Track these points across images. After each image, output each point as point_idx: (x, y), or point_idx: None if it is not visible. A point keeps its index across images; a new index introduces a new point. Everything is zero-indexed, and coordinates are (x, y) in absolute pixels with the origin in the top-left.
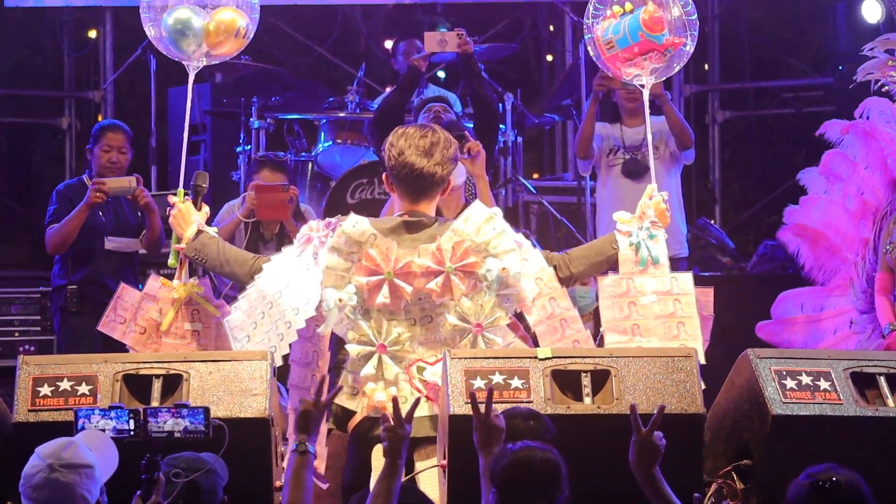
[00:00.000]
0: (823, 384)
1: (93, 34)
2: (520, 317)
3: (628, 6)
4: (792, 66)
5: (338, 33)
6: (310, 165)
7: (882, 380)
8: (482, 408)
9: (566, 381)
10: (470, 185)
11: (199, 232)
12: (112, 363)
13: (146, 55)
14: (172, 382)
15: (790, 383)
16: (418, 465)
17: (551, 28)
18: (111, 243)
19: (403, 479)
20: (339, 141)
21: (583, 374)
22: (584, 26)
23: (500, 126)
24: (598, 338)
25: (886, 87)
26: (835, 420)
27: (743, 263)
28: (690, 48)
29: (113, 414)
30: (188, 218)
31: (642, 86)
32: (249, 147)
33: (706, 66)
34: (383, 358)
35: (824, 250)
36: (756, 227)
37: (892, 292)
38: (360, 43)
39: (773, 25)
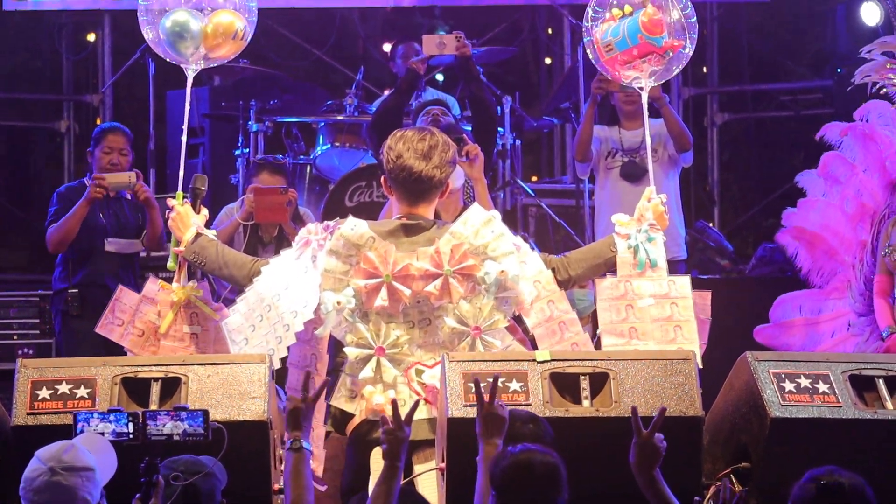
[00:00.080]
0: (822, 387)
1: (91, 38)
2: (518, 319)
3: (627, 9)
4: (790, 69)
5: (336, 36)
6: (308, 168)
7: (881, 382)
8: (486, 396)
9: (565, 384)
10: (468, 188)
11: (198, 235)
12: (111, 366)
13: (144, 59)
14: (171, 385)
15: (789, 386)
16: (417, 469)
17: (550, 31)
18: (112, 245)
19: (402, 482)
20: (337, 144)
21: (581, 377)
22: (584, 29)
23: (499, 129)
24: (596, 340)
25: (885, 90)
26: (833, 423)
27: (741, 266)
28: (690, 51)
29: (112, 417)
30: (187, 221)
31: (641, 88)
32: (248, 150)
33: (705, 69)
34: (382, 361)
35: (822, 253)
36: (755, 230)
37: (891, 295)
38: (359, 46)
39: (771, 28)
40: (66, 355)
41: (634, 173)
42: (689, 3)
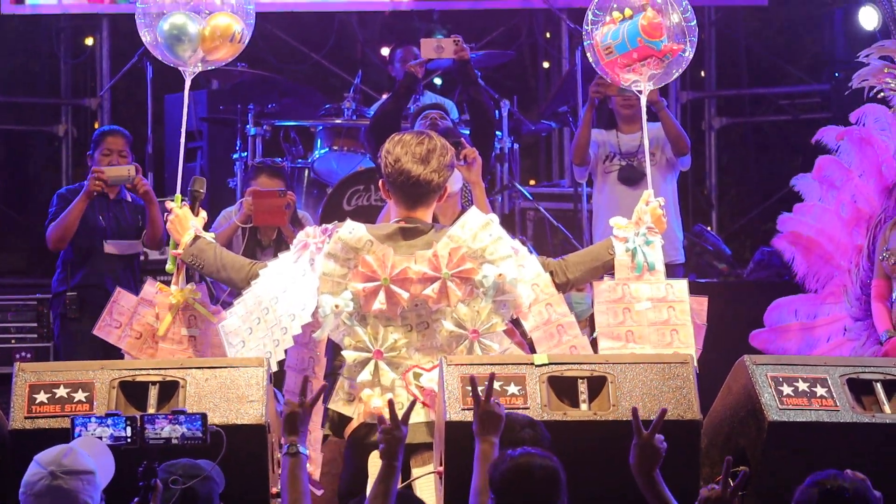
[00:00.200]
0: (820, 390)
1: (89, 41)
2: (516, 323)
3: (627, 12)
4: (788, 73)
5: (334, 40)
6: (306, 172)
7: (878, 386)
8: (482, 393)
9: (563, 388)
10: (466, 191)
11: (197, 237)
12: (108, 370)
13: (143, 62)
14: (169, 389)
15: (787, 389)
16: (415, 472)
17: (548, 35)
18: (111, 246)
19: (400, 485)
20: (335, 147)
21: (579, 381)
22: (584, 32)
23: (497, 133)
24: (592, 343)
25: (882, 94)
26: (831, 426)
27: (739, 270)
28: (689, 54)
29: (110, 421)
30: (185, 223)
31: (640, 92)
32: (246, 154)
33: (703, 73)
34: (380, 364)
35: (818, 258)
36: (752, 234)
37: (889, 299)
38: (357, 50)
39: (769, 32)
40: (65, 358)
41: (632, 177)
42: (689, 6)
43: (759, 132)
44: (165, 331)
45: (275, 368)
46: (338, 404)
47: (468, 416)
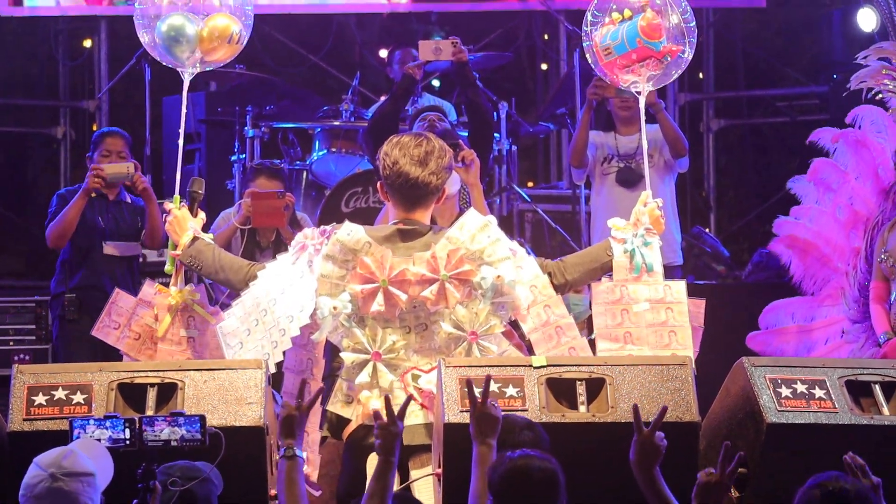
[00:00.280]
0: (818, 392)
1: (87, 44)
2: (515, 324)
3: (627, 13)
4: (786, 75)
5: (332, 42)
6: (304, 174)
7: (877, 388)
8: (479, 396)
9: (561, 390)
10: (464, 193)
11: (195, 239)
12: (107, 372)
13: (141, 64)
14: (167, 391)
15: (785, 391)
16: (413, 474)
17: (546, 37)
18: (110, 248)
19: (398, 487)
20: (333, 150)
21: (578, 383)
22: (583, 33)
23: (495, 135)
24: (590, 344)
25: (880, 96)
26: (830, 428)
27: (738, 272)
28: (689, 56)
29: (108, 423)
30: (184, 224)
31: (639, 93)
32: (244, 156)
33: (701, 75)
34: (378, 366)
35: (815, 260)
36: (751, 236)
37: (887, 301)
38: (355, 52)
39: (767, 34)
40: (63, 359)
41: (630, 179)
42: (689, 7)
43: (758, 134)
44: (164, 332)
45: (273, 370)
46: (336, 406)
47: (466, 418)
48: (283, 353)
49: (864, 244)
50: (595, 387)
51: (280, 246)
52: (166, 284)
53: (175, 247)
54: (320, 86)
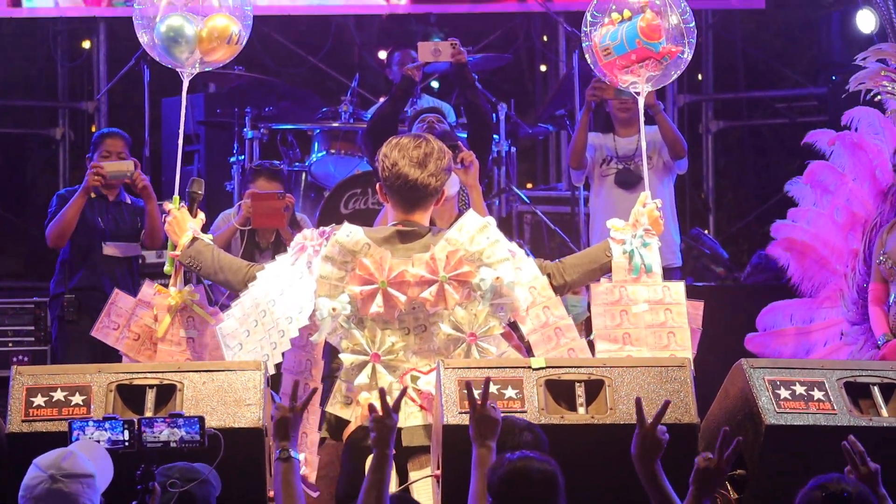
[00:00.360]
0: (817, 394)
1: (86, 45)
2: (514, 326)
3: (626, 13)
4: (786, 77)
5: (331, 43)
6: (303, 175)
7: (876, 389)
8: (478, 398)
9: (560, 391)
10: (463, 195)
11: (195, 239)
12: (106, 373)
13: (140, 65)
14: (166, 392)
15: (784, 393)
16: (412, 475)
17: (545, 38)
18: (110, 248)
19: (398, 488)
20: (332, 151)
21: (577, 384)
22: (582, 33)
23: (494, 136)
24: (589, 345)
25: (879, 97)
26: (829, 430)
27: (737, 273)
28: (688, 56)
29: (107, 425)
30: (183, 225)
31: (638, 93)
32: (243, 157)
33: (700, 77)
34: (377, 367)
35: (813, 262)
36: (750, 237)
37: (886, 303)
38: (354, 53)
39: (766, 36)
40: (62, 360)
41: (629, 181)
42: (688, 8)
43: (757, 135)
44: (164, 332)
45: (272, 371)
46: (335, 407)
47: (465, 420)
48: (283, 354)
49: (862, 246)
50: (594, 388)
51: (280, 247)
52: (166, 285)
53: (174, 247)
54: (319, 87)
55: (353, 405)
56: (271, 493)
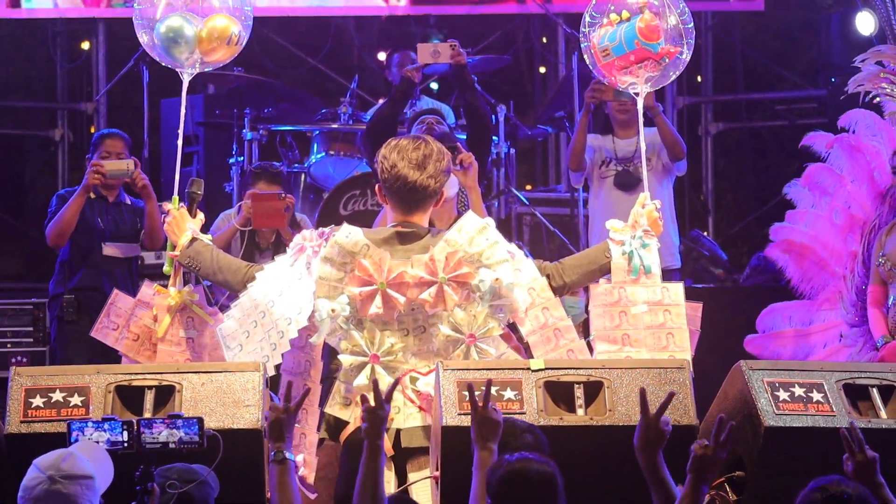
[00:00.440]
0: (816, 396)
1: (85, 45)
2: (513, 327)
3: (625, 14)
4: (785, 78)
5: (331, 45)
6: (302, 177)
7: (875, 391)
8: (479, 400)
9: (559, 393)
10: (462, 196)
11: (194, 239)
12: (104, 374)
13: (139, 66)
14: (165, 394)
15: (783, 395)
16: (411, 477)
17: (544, 40)
18: (109, 248)
19: (397, 490)
20: (331, 152)
21: (576, 386)
22: (581, 34)
23: (493, 138)
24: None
25: (878, 99)
26: (828, 432)
27: (736, 275)
28: (687, 57)
29: (106, 426)
30: (182, 225)
31: (637, 94)
32: (242, 158)
33: (699, 78)
34: (376, 368)
35: (812, 264)
36: (749, 239)
37: (885, 305)
38: (354, 54)
39: (766, 37)
40: (61, 361)
41: (628, 182)
42: (687, 9)
43: (756, 137)
44: (164, 332)
45: (272, 373)
46: (334, 408)
47: (464, 421)
48: (282, 355)
49: (861, 248)
50: (593, 390)
51: (280, 247)
52: (165, 286)
53: (173, 248)
54: (319, 88)
55: (353, 406)
56: (269, 494)
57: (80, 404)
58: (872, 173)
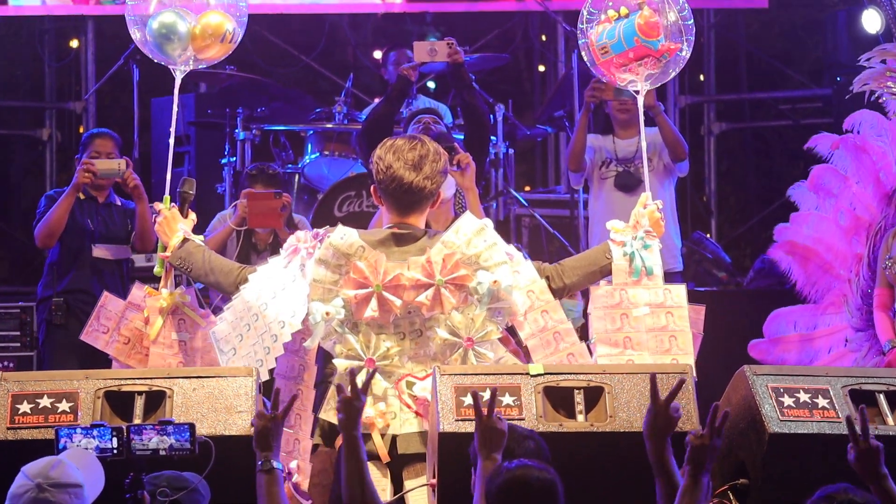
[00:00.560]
0: (822, 401)
1: (74, 44)
2: (511, 330)
3: (623, 11)
4: (789, 78)
5: (325, 43)
6: (297, 177)
7: (881, 397)
8: (484, 409)
9: (558, 398)
10: (460, 197)
11: (185, 240)
12: (93, 379)
13: (129, 65)
14: (155, 399)
15: (788, 401)
16: (407, 484)
17: (543, 38)
18: (99, 250)
19: (393, 498)
20: (326, 153)
21: (576, 391)
22: (579, 31)
23: (492, 138)
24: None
25: (883, 98)
26: (833, 438)
27: (739, 278)
28: (687, 54)
29: (95, 432)
30: (173, 225)
31: (637, 92)
32: (235, 159)
33: (702, 77)
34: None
35: (816, 267)
36: (753, 242)
37: (892, 308)
38: (348, 53)
39: (770, 36)
40: (50, 365)
41: (629, 183)
42: (686, 5)
43: (760, 138)
44: (157, 334)
45: (266, 377)
46: (329, 414)
47: (461, 427)
48: (276, 359)
49: (866, 250)
50: (593, 395)
51: (277, 248)
52: (156, 288)
53: (164, 248)
54: (313, 87)
55: None
56: None
57: (68, 410)
58: (878, 174)
